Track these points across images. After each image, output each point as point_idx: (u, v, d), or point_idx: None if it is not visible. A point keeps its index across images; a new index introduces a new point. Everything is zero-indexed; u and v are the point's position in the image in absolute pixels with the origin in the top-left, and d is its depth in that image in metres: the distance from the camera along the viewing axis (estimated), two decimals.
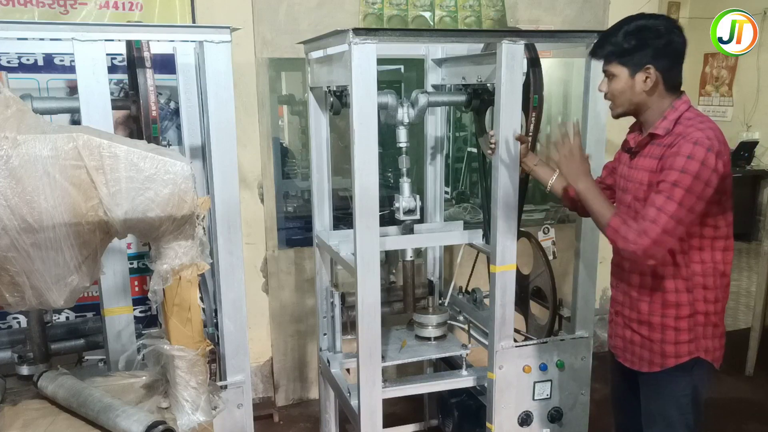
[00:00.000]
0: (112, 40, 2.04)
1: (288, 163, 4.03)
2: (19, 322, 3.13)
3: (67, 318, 3.11)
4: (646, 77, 1.95)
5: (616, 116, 2.09)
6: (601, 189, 2.33)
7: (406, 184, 2.69)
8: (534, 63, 2.48)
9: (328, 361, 3.00)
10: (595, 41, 2.08)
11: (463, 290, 3.20)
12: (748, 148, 5.64)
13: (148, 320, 3.12)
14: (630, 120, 2.13)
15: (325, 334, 3.08)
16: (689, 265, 1.99)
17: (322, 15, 3.54)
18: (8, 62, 3.04)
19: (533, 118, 2.53)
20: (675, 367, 2.03)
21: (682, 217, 1.84)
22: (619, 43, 1.96)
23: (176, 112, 3.09)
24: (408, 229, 2.78)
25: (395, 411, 3.47)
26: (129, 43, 2.26)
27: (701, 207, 1.86)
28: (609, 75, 2.01)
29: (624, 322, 2.14)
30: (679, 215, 1.83)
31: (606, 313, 2.35)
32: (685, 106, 1.97)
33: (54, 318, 2.69)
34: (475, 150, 3.42)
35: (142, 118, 2.20)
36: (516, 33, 2.35)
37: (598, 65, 2.44)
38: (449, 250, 3.56)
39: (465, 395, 3.00)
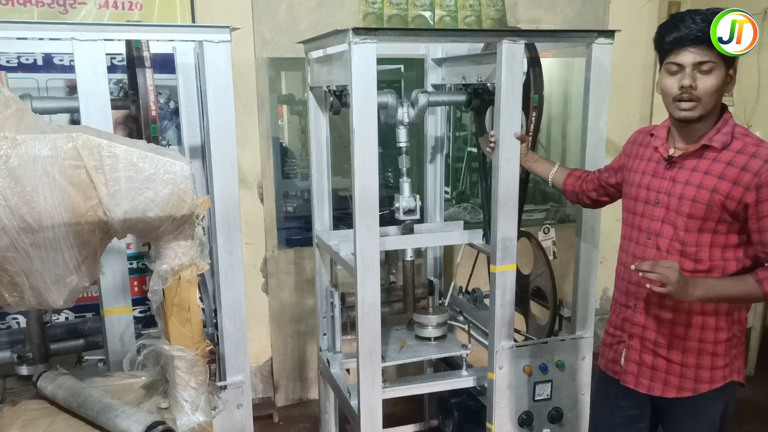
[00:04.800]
0: (112, 40, 2.03)
1: (288, 163, 4.02)
2: (18, 323, 3.13)
3: (67, 318, 3.11)
4: (731, 79, 1.80)
5: (693, 119, 1.82)
6: (605, 190, 2.29)
7: (406, 184, 2.69)
8: (534, 62, 2.48)
9: (328, 361, 2.99)
10: (687, 24, 1.75)
11: (463, 290, 3.20)
12: None
13: (147, 320, 3.11)
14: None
15: (324, 334, 3.08)
16: None
17: (321, 14, 3.54)
18: (7, 62, 3.04)
19: (533, 118, 2.52)
20: (708, 391, 1.92)
21: None
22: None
23: (176, 111, 3.09)
24: (408, 229, 2.77)
25: (395, 411, 3.47)
26: (128, 43, 2.26)
27: None
28: (706, 67, 1.76)
29: (643, 345, 1.98)
30: None
31: (606, 313, 2.32)
32: (733, 120, 1.86)
33: (53, 318, 2.69)
34: (475, 150, 3.42)
35: (141, 118, 2.20)
36: (516, 32, 2.35)
37: (602, 63, 2.45)
38: (449, 250, 3.55)
39: (465, 395, 3.00)
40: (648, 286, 1.77)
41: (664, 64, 1.84)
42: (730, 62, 1.78)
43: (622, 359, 2.04)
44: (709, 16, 1.74)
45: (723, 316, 1.89)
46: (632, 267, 1.82)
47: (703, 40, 1.74)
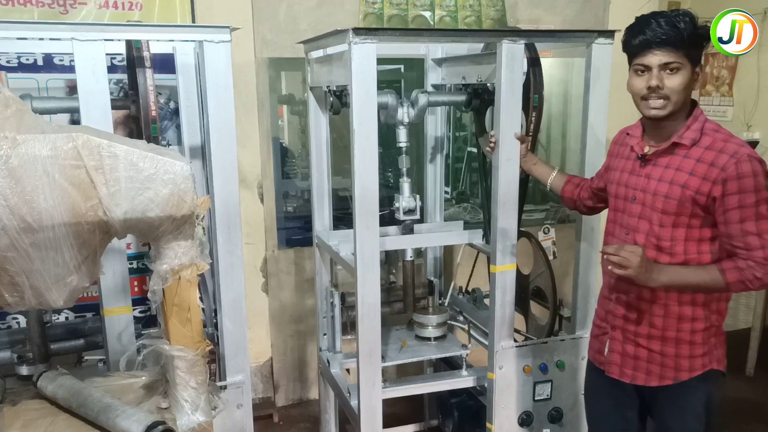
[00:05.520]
0: (112, 40, 2.04)
1: (288, 163, 4.02)
2: (18, 323, 3.12)
3: (67, 318, 3.11)
4: (698, 76, 1.85)
5: (663, 117, 1.87)
6: (598, 196, 2.29)
7: (406, 184, 2.69)
8: (534, 62, 2.48)
9: (328, 361, 2.99)
10: (652, 27, 1.80)
11: (463, 290, 3.20)
12: None
13: (147, 320, 3.11)
14: (624, 124, 2.09)
15: (325, 334, 3.08)
16: None
17: (321, 15, 3.54)
18: (8, 62, 3.04)
19: (533, 118, 2.53)
20: (688, 379, 1.97)
21: None
22: (690, 32, 1.79)
23: (176, 111, 3.09)
24: (408, 229, 2.77)
25: (395, 411, 3.46)
26: (129, 43, 2.26)
27: None
28: (672, 67, 1.81)
29: (624, 336, 2.04)
30: None
31: None
32: (704, 116, 1.90)
33: (53, 318, 2.69)
34: (475, 150, 3.42)
35: (141, 118, 2.20)
36: (516, 33, 2.35)
37: (602, 63, 2.45)
38: (449, 250, 3.55)
39: (465, 395, 3.00)
40: (609, 268, 1.84)
41: (631, 66, 1.90)
42: (696, 61, 1.84)
43: (606, 350, 2.10)
44: (673, 18, 1.79)
45: (700, 307, 1.94)
46: (600, 251, 1.88)
47: (668, 42, 1.79)
